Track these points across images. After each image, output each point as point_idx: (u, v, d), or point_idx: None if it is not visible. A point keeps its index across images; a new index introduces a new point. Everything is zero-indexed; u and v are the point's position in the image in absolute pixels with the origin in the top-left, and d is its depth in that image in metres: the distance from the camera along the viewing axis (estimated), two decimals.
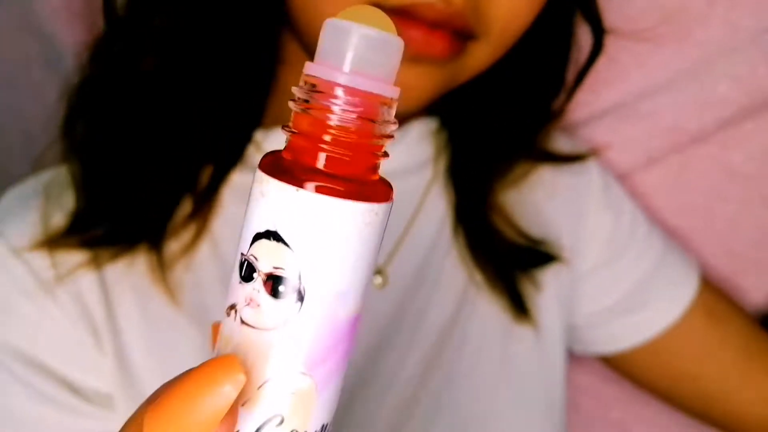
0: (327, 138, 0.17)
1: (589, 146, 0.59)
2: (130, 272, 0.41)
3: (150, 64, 0.39)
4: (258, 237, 0.17)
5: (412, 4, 0.36)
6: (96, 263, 0.40)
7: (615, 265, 0.53)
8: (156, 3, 0.40)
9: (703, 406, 0.56)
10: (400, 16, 0.36)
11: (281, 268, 0.16)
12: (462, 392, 0.47)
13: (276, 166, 0.18)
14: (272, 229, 0.16)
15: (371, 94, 0.18)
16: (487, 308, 0.48)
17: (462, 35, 0.38)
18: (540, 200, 0.51)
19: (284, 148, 0.19)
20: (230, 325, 0.18)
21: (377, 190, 0.19)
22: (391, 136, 0.19)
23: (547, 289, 0.50)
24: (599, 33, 0.48)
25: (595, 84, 0.60)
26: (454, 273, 0.48)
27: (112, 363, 0.41)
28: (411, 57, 0.37)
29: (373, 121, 0.18)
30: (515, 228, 0.48)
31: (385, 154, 0.19)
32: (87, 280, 0.41)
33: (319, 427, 0.19)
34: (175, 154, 0.39)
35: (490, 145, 0.49)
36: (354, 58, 0.17)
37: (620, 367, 0.57)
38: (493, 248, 0.48)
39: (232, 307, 0.18)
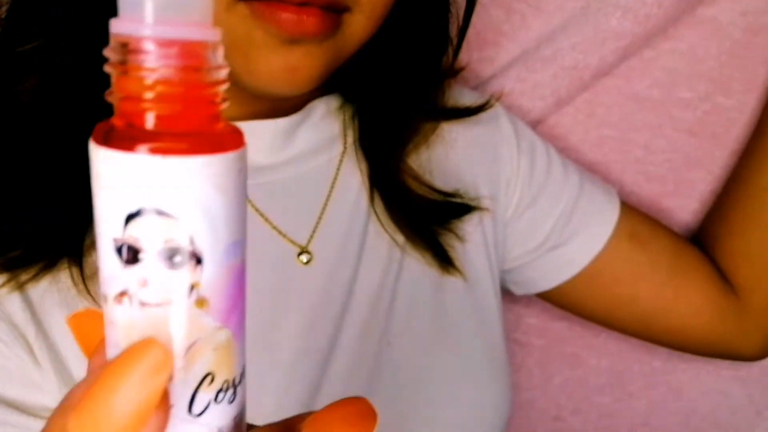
0: (150, 96, 0.16)
1: (496, 96, 0.59)
2: (54, 288, 0.40)
3: (31, 85, 0.39)
4: (132, 216, 0.16)
5: None
6: (18, 285, 0.40)
7: (536, 205, 0.53)
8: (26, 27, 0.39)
9: (644, 327, 0.56)
10: (269, 2, 0.36)
11: (172, 239, 0.16)
12: (399, 352, 0.46)
13: (113, 136, 0.16)
14: (147, 205, 0.16)
15: (186, 41, 0.16)
16: (414, 266, 0.48)
17: (333, 9, 0.38)
18: (453, 155, 0.51)
19: (114, 116, 0.17)
20: (126, 311, 0.17)
21: (225, 139, 0.17)
22: (224, 81, 0.17)
23: (472, 239, 0.50)
24: None
25: (498, 37, 0.60)
26: (377, 239, 0.47)
27: (53, 377, 0.40)
28: (288, 40, 0.37)
29: (197, 69, 0.16)
30: (428, 185, 0.48)
31: (224, 100, 0.18)
32: (13, 302, 0.40)
33: (241, 370, 0.19)
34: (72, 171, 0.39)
35: (392, 111, 0.48)
36: (157, 5, 0.16)
37: (559, 301, 0.57)
38: (409, 208, 0.48)
39: (123, 293, 0.16)
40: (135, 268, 0.16)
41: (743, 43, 0.57)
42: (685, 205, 0.62)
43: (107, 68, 0.17)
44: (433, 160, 0.51)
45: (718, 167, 0.61)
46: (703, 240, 0.60)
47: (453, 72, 0.52)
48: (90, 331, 0.20)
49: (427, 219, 0.47)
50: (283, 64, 0.39)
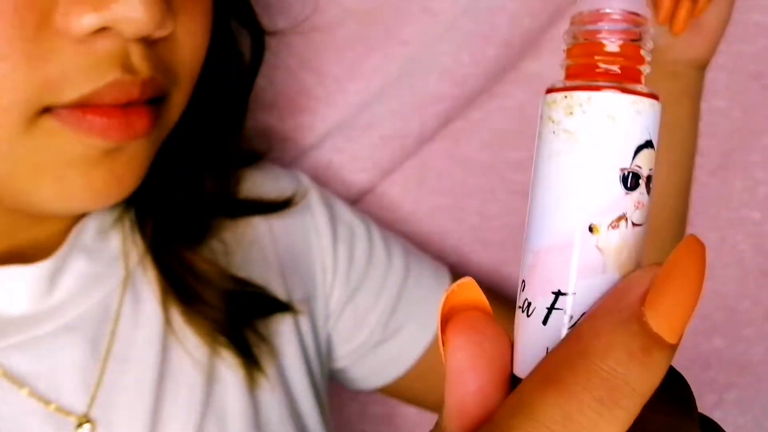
0: (620, 56, 0.17)
1: (317, 172, 0.52)
2: None
3: None
4: (640, 148, 0.16)
5: (95, 91, 0.30)
6: None
7: (357, 298, 0.45)
8: None
9: None
10: (84, 108, 0.30)
11: (653, 167, 0.17)
12: None
13: (624, 86, 0.16)
14: (650, 138, 0.16)
15: (634, 13, 0.17)
16: (226, 379, 0.39)
17: (158, 99, 0.32)
18: (260, 252, 0.42)
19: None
20: (621, 234, 0.16)
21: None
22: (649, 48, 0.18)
23: (286, 343, 0.41)
24: (258, 37, 0.42)
25: (312, 103, 0.52)
26: (181, 366, 0.37)
27: None
28: (114, 148, 0.31)
29: (642, 33, 0.17)
30: (231, 287, 0.40)
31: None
32: None
33: None
34: None
35: (180, 211, 0.39)
36: None
37: (399, 396, 0.49)
38: (213, 316, 0.39)
39: (621, 217, 0.16)
40: (633, 194, 0.16)
41: None
42: None
43: (570, 39, 0.17)
44: (236, 259, 0.42)
45: None
46: None
47: (250, 158, 0.44)
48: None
49: (232, 321, 0.39)
50: (107, 176, 0.32)
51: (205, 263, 0.39)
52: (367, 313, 0.46)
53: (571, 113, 0.16)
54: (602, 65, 0.16)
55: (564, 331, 0.16)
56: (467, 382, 0.16)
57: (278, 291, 0.41)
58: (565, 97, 0.17)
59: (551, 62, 0.52)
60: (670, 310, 0.14)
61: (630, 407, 0.13)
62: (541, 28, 0.49)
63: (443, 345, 0.17)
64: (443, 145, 0.53)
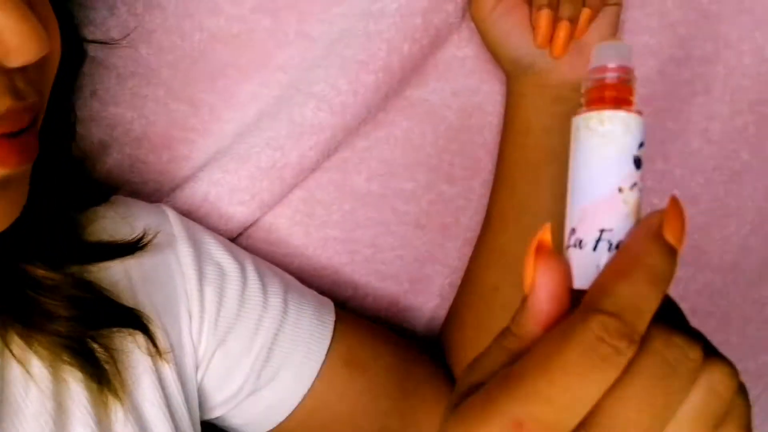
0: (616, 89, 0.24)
1: (194, 206, 0.49)
2: None
3: None
4: (641, 144, 0.24)
5: None
6: None
7: (230, 344, 0.42)
8: None
9: None
10: None
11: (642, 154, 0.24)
12: None
13: (616, 108, 0.24)
14: (643, 139, 0.24)
15: (624, 66, 0.24)
16: (79, 403, 0.36)
17: (35, 123, 0.31)
18: (119, 297, 0.40)
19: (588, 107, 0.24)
20: (635, 194, 0.24)
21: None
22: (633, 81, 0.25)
23: (147, 390, 0.38)
24: (76, 54, 0.40)
25: (187, 133, 0.48)
26: (31, 389, 0.34)
27: None
28: (7, 176, 0.29)
29: (630, 75, 0.24)
30: (75, 293, 0.37)
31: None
32: None
33: None
34: None
35: (16, 258, 0.36)
36: (613, 56, 0.24)
37: None
38: (57, 332, 0.36)
39: (635, 184, 0.23)
40: (640, 171, 0.24)
41: (458, 126, 0.51)
42: (425, 302, 0.55)
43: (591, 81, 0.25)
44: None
45: (453, 259, 0.54)
46: (442, 344, 0.53)
47: (101, 195, 0.41)
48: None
49: (77, 332, 0.35)
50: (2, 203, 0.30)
51: (43, 270, 0.36)
52: (241, 359, 0.42)
53: (602, 123, 0.24)
54: (612, 95, 0.24)
55: (608, 254, 0.23)
56: (549, 296, 0.23)
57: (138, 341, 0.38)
58: (599, 114, 0.24)
59: (438, 88, 0.49)
60: (675, 228, 0.23)
61: (659, 281, 0.21)
62: (422, 54, 0.47)
63: (533, 269, 0.23)
64: (331, 176, 0.50)
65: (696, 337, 0.22)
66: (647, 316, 0.21)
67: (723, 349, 0.57)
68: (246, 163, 0.46)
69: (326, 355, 0.43)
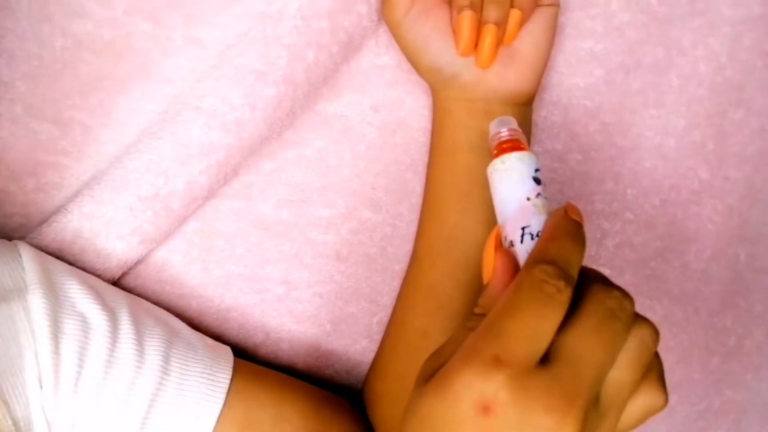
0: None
1: (65, 242, 0.41)
2: None
3: None
4: (537, 169, 0.31)
5: None
6: None
7: (93, 413, 0.34)
8: None
9: None
10: None
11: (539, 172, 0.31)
12: None
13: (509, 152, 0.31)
14: (538, 167, 0.31)
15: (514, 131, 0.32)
16: None
17: None
18: None
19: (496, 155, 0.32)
20: (541, 199, 0.30)
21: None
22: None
23: None
24: None
25: (57, 157, 0.39)
26: None
27: None
28: None
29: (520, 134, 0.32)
30: None
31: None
32: None
33: None
34: None
35: None
36: (503, 127, 0.32)
37: None
38: None
39: (539, 193, 0.30)
40: (540, 186, 0.30)
41: (380, 144, 0.45)
42: (350, 346, 0.48)
43: (492, 143, 0.32)
44: None
45: (381, 294, 0.47)
46: (364, 397, 0.46)
47: None
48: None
49: None
50: None
51: None
52: (110, 427, 0.35)
53: (503, 163, 0.31)
54: (507, 146, 0.31)
55: (532, 242, 0.29)
56: (506, 277, 0.29)
57: None
58: (501, 157, 0.31)
59: (355, 102, 0.43)
60: (575, 212, 0.29)
61: (576, 239, 0.28)
62: (332, 62, 0.40)
63: (493, 258, 0.30)
64: (232, 204, 0.43)
65: (630, 296, 0.27)
66: (575, 264, 0.27)
67: (685, 386, 0.51)
68: (123, 192, 0.39)
69: (217, 421, 0.36)
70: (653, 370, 0.27)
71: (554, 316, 0.26)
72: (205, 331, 0.45)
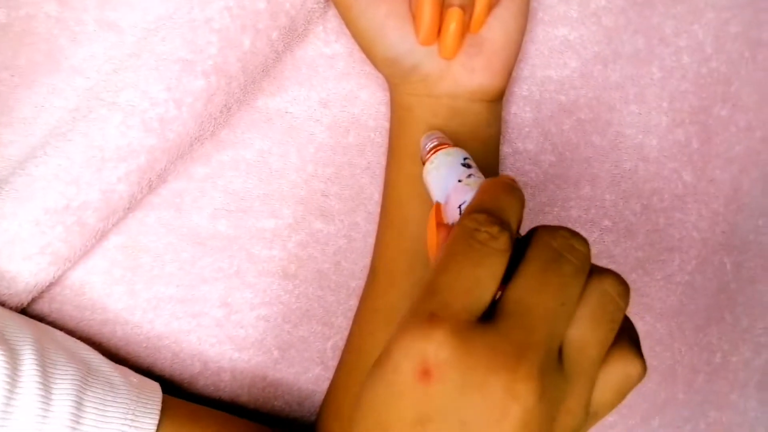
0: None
1: None
2: None
3: None
4: (466, 157, 0.31)
5: None
6: None
7: None
8: None
9: None
10: None
11: (468, 158, 0.31)
12: None
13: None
14: (467, 155, 0.31)
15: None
16: None
17: None
18: None
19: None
20: (472, 179, 0.29)
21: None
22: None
23: None
24: None
25: None
26: None
27: None
28: None
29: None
30: None
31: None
32: None
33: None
34: None
35: None
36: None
37: None
38: None
39: (470, 174, 0.29)
40: (470, 169, 0.29)
41: (332, 145, 0.39)
42: (301, 374, 0.42)
43: (422, 156, 0.32)
44: None
45: (336, 315, 0.42)
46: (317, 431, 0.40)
47: None
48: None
49: None
50: None
51: None
52: None
53: (432, 162, 0.31)
54: (433, 149, 0.31)
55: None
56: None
57: None
58: (429, 158, 0.31)
59: (301, 97, 0.37)
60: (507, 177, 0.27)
61: (509, 188, 0.26)
62: (273, 50, 0.34)
63: (436, 234, 0.27)
64: (160, 215, 0.37)
65: (583, 237, 0.24)
66: (511, 212, 0.25)
67: (669, 407, 0.47)
68: (28, 204, 0.33)
69: None
70: (624, 334, 0.24)
71: (492, 265, 0.23)
72: (134, 363, 0.39)
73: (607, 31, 0.39)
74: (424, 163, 0.31)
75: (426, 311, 0.22)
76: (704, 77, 0.40)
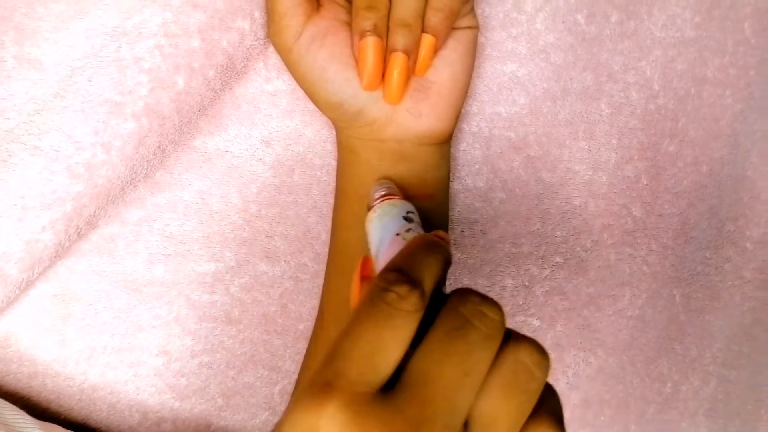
0: None
1: None
2: None
3: None
4: (409, 211, 0.29)
5: None
6: None
7: None
8: None
9: None
10: None
11: (412, 212, 0.29)
12: None
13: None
14: (411, 209, 0.29)
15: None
16: None
17: None
18: None
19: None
20: (411, 234, 0.27)
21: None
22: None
23: None
24: None
25: None
26: None
27: None
28: None
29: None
30: None
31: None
32: None
33: None
34: None
35: None
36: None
37: None
38: None
39: (409, 229, 0.27)
40: (411, 224, 0.27)
41: (276, 185, 0.36)
42: (248, 420, 0.39)
43: (373, 200, 0.30)
44: None
45: (282, 359, 0.38)
46: None
47: None
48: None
49: None
50: None
51: None
52: None
53: (375, 211, 0.29)
54: (380, 197, 0.30)
55: None
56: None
57: None
58: (375, 207, 0.29)
59: (242, 135, 0.34)
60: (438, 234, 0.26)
61: (428, 247, 0.24)
62: (210, 89, 0.31)
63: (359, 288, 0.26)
64: (91, 262, 0.34)
65: (496, 303, 0.22)
66: (427, 272, 0.22)
67: None
68: None
69: None
70: (543, 406, 0.22)
71: (398, 330, 0.20)
72: (66, 417, 0.36)
73: (555, 68, 0.37)
74: (368, 211, 0.29)
75: (322, 380, 0.20)
76: (652, 113, 0.38)
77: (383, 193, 0.29)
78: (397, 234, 0.26)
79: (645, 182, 0.39)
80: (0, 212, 0.29)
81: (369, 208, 0.29)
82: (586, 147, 0.38)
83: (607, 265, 0.40)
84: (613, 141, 0.38)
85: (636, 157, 0.39)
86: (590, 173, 0.39)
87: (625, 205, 0.39)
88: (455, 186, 0.38)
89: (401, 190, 0.32)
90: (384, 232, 0.27)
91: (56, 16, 0.30)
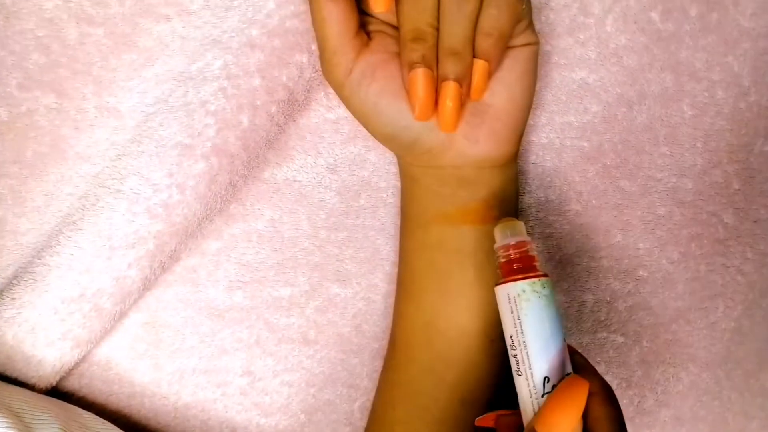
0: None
1: None
2: None
3: None
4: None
5: None
6: None
7: None
8: None
9: None
10: None
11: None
12: None
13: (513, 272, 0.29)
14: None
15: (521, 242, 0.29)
16: None
17: None
18: None
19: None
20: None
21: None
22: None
23: None
24: None
25: None
26: None
27: None
28: None
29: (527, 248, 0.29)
30: None
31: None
32: None
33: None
34: None
35: None
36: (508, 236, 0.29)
37: None
38: None
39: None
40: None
41: (344, 209, 0.36)
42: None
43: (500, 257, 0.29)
44: None
45: (360, 377, 0.39)
46: None
47: None
48: None
49: None
50: None
51: None
52: None
53: (543, 287, 0.28)
54: (533, 264, 0.29)
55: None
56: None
57: None
58: (536, 281, 0.28)
59: (308, 164, 0.34)
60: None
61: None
62: (274, 123, 0.32)
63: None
64: (177, 291, 0.35)
65: None
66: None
67: None
68: (45, 294, 0.31)
69: None
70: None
71: None
72: None
73: (629, 71, 0.34)
74: (502, 270, 0.28)
75: None
76: (742, 112, 0.35)
77: (516, 255, 0.28)
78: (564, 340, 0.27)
79: (737, 187, 0.36)
80: (91, 253, 0.31)
81: (500, 265, 0.29)
82: (668, 152, 0.35)
83: (696, 276, 0.36)
84: (698, 144, 0.35)
85: (725, 161, 0.35)
86: (674, 180, 0.36)
87: (714, 212, 0.36)
88: (526, 200, 0.36)
89: (465, 216, 0.30)
90: (550, 325, 0.27)
91: (128, 65, 0.31)
